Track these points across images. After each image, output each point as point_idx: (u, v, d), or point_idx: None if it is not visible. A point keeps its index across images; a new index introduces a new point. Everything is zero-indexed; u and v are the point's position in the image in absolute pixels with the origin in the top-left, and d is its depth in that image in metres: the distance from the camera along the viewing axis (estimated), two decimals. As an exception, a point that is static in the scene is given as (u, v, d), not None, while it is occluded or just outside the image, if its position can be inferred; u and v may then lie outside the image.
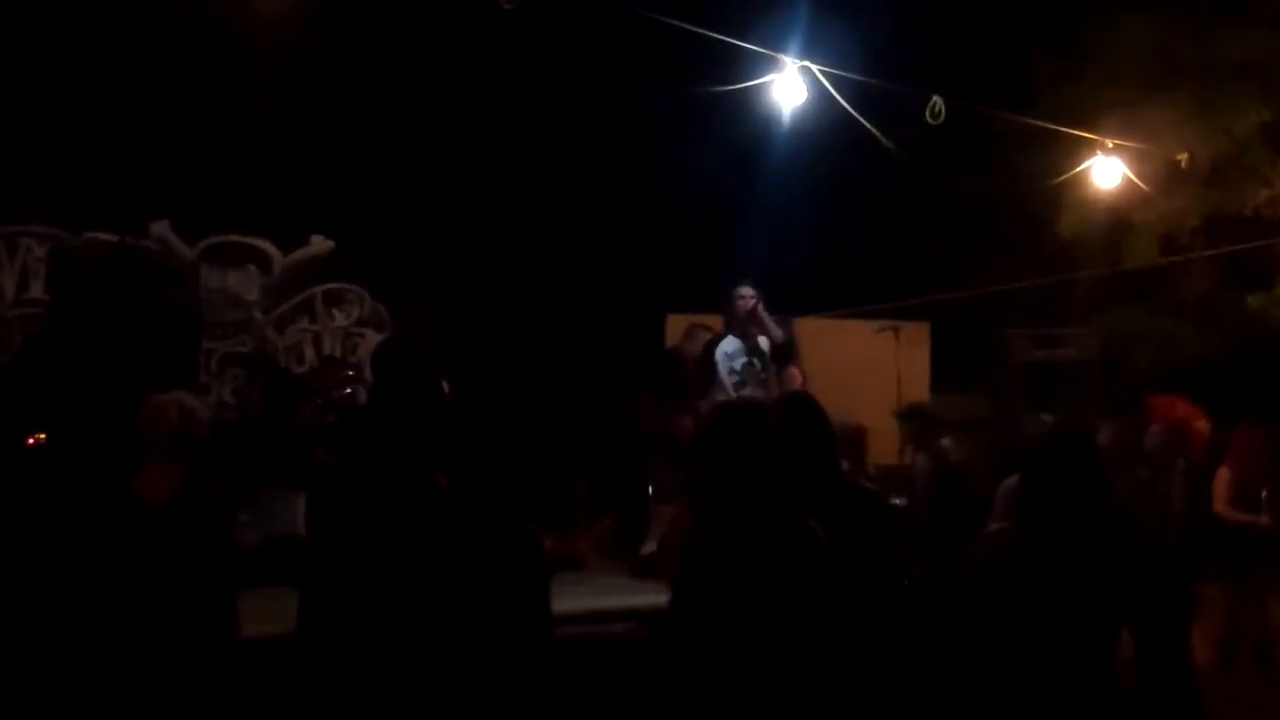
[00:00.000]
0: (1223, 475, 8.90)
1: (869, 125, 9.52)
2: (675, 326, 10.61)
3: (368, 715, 4.16)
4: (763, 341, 9.11)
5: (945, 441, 8.89)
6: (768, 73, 9.18)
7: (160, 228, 10.88)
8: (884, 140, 9.65)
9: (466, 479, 4.55)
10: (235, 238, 11.35)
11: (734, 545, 4.04)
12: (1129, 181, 11.41)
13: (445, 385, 4.68)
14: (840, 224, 12.23)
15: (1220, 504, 8.75)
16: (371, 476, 4.52)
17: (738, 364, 8.99)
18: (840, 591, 4.12)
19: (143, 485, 4.86)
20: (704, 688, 4.01)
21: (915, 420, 9.06)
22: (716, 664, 4.00)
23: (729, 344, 9.05)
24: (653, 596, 4.27)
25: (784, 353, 9.41)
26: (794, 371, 9.90)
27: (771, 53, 9.13)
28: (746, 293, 9.07)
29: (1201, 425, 8.36)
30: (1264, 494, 8.77)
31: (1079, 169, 11.29)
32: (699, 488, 4.25)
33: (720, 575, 4.03)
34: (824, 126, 9.72)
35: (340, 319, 11.78)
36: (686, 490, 5.77)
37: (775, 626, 3.99)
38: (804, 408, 5.18)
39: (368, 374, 10.86)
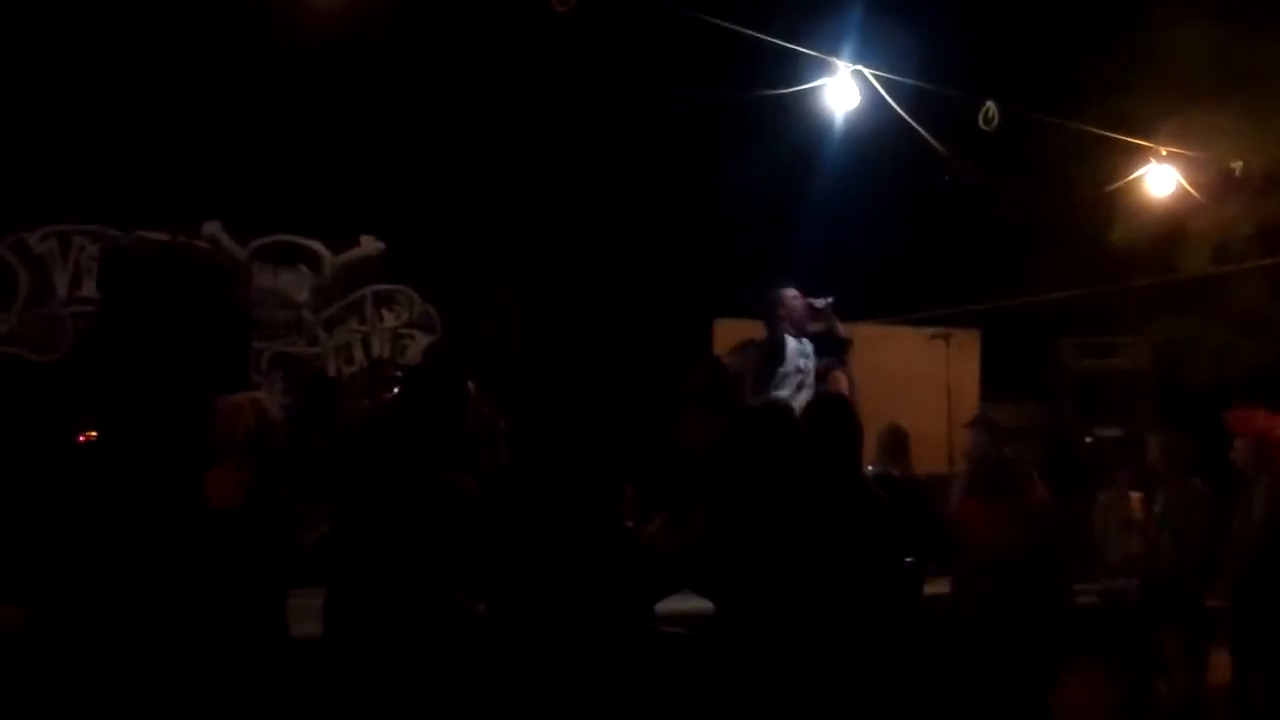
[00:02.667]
0: None
1: (922, 130, 9.47)
2: (722, 332, 10.56)
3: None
4: (806, 344, 9.14)
5: (1008, 451, 8.85)
6: (820, 76, 9.16)
7: (212, 227, 10.95)
8: (937, 146, 9.60)
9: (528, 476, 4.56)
10: (286, 238, 11.40)
11: (778, 551, 3.96)
12: (1182, 189, 11.31)
13: (470, 385, 4.70)
14: (891, 230, 12.17)
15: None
16: (394, 474, 4.54)
17: (802, 364, 9.05)
18: (880, 594, 4.09)
19: (211, 485, 4.85)
20: (758, 694, 3.96)
21: (986, 431, 9.00)
22: (771, 671, 3.95)
23: (790, 344, 9.09)
24: (698, 601, 4.21)
25: (846, 346, 9.42)
26: (838, 375, 9.85)
27: (825, 56, 9.10)
28: (796, 292, 9.10)
29: None
30: None
31: (1132, 176, 11.20)
32: (723, 496, 4.18)
33: (767, 583, 3.96)
34: (876, 131, 9.67)
35: (390, 320, 11.80)
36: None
37: (825, 631, 3.93)
38: (835, 409, 5.18)
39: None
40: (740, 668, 3.97)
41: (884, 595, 4.13)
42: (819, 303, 9.12)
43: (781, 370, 8.98)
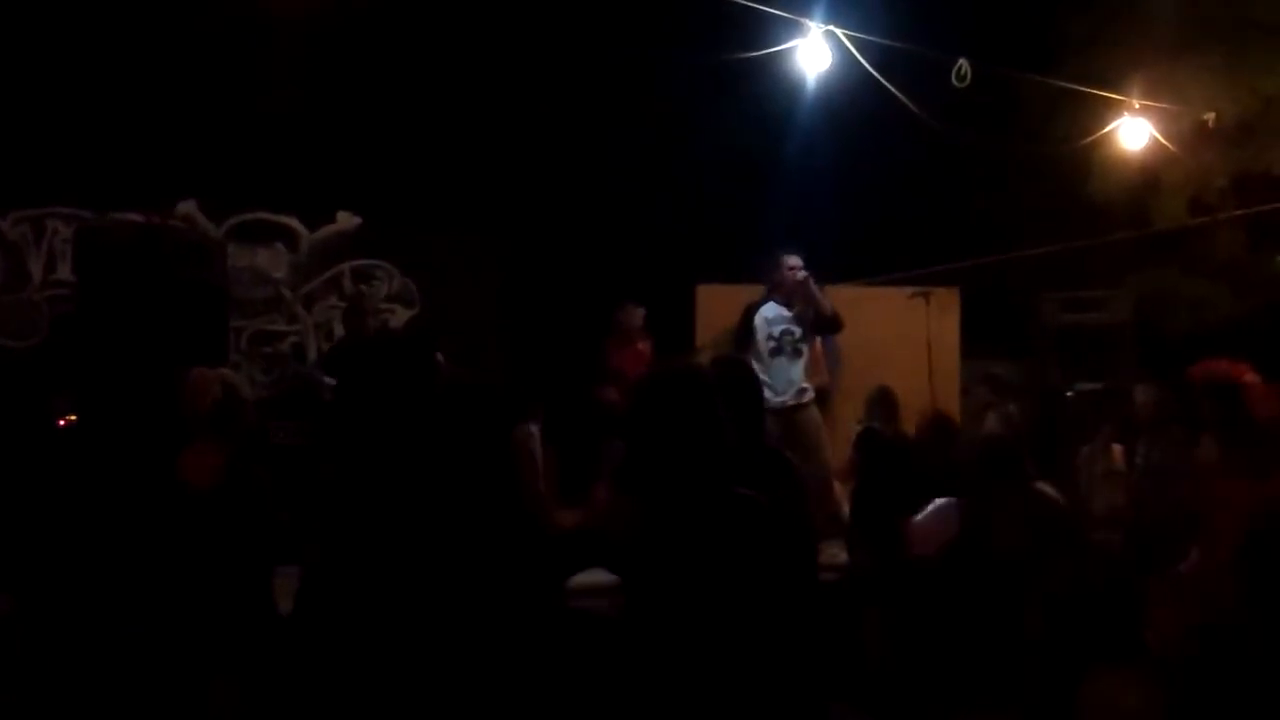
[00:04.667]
0: None
1: (895, 90, 9.45)
2: (705, 297, 10.54)
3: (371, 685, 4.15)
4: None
5: (1013, 407, 8.86)
6: (792, 38, 9.13)
7: (187, 207, 10.92)
8: (910, 105, 9.58)
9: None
10: (262, 215, 11.37)
11: (679, 530, 3.74)
12: (1156, 142, 11.32)
13: (439, 359, 4.68)
14: (868, 190, 12.16)
15: None
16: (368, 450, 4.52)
17: (776, 330, 8.97)
18: (785, 559, 3.98)
19: (188, 465, 4.84)
20: (670, 671, 3.86)
21: (987, 385, 9.00)
22: (681, 649, 3.85)
23: (769, 309, 9.03)
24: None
25: (832, 326, 9.34)
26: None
27: (796, 17, 9.07)
28: (795, 263, 9.05)
29: (1253, 378, 8.36)
30: None
31: (1106, 130, 11.19)
32: (631, 462, 4.00)
33: (672, 562, 3.75)
34: (849, 92, 9.66)
35: (369, 295, 11.77)
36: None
37: (734, 605, 3.73)
38: (736, 371, 5.05)
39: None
40: (641, 641, 3.88)
41: (782, 554, 4.00)
42: (801, 275, 9.05)
43: (758, 336, 8.97)
